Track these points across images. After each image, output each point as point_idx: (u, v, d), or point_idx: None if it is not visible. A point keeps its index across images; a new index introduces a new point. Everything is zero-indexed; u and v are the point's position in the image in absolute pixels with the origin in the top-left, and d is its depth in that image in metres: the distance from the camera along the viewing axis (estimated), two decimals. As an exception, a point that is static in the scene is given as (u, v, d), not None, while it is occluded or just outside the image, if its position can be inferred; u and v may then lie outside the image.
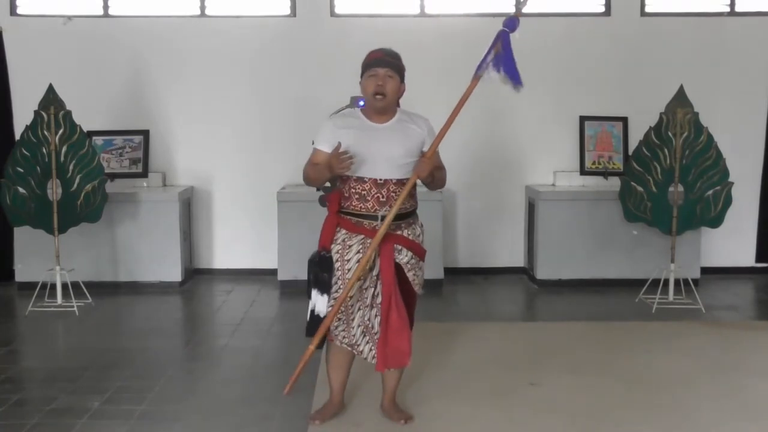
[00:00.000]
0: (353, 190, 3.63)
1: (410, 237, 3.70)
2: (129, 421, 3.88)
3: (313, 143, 3.75)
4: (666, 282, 6.15)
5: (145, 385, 4.37)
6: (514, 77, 3.63)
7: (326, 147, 3.64)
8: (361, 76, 3.66)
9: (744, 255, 7.27)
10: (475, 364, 4.67)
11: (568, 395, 4.19)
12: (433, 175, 3.68)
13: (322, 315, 3.65)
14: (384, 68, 3.60)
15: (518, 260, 7.28)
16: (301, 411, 3.93)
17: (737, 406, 4.06)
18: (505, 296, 6.64)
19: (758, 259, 7.28)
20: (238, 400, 4.16)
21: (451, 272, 7.03)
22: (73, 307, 5.94)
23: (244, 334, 5.47)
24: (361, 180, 3.61)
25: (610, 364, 4.68)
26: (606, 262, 6.74)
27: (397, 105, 3.76)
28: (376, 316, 3.69)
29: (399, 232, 3.66)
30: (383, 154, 3.59)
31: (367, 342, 3.71)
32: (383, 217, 3.58)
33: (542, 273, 6.78)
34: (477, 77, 3.64)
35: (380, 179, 3.60)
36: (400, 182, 3.62)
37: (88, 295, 6.09)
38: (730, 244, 7.14)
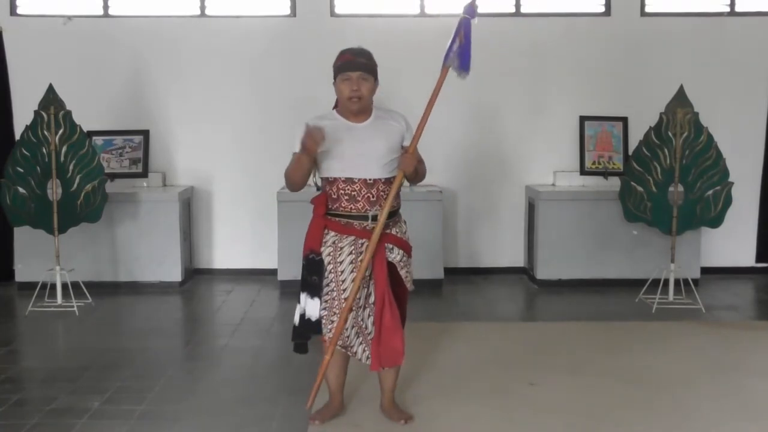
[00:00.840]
0: (342, 192, 3.63)
1: (398, 234, 3.73)
2: (129, 421, 3.88)
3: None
4: (666, 282, 6.15)
5: (145, 385, 4.37)
6: (463, 64, 3.64)
7: None
8: (334, 78, 3.68)
9: (744, 255, 7.27)
10: (475, 364, 4.67)
11: (568, 395, 4.19)
12: (417, 169, 3.69)
13: (313, 319, 3.65)
14: (357, 71, 3.60)
15: (518, 260, 7.28)
16: (301, 411, 3.93)
17: (737, 406, 4.06)
18: (505, 296, 6.64)
19: (758, 259, 7.28)
20: (238, 400, 4.16)
21: (451, 272, 7.03)
22: (73, 307, 5.94)
23: (244, 334, 5.47)
24: (350, 181, 3.61)
25: (610, 364, 4.68)
26: (606, 262, 6.74)
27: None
28: (369, 316, 3.69)
29: (388, 231, 3.68)
30: (369, 154, 3.60)
31: (361, 343, 3.72)
32: (374, 217, 3.59)
33: (542, 273, 6.78)
34: (445, 67, 3.66)
35: (369, 179, 3.61)
36: (388, 181, 3.64)
37: (88, 295, 6.09)
38: (730, 244, 7.14)
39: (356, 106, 3.61)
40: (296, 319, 3.72)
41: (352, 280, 3.61)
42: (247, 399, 4.19)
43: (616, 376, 4.48)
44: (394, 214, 3.72)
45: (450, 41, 3.65)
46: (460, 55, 3.63)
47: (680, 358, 4.81)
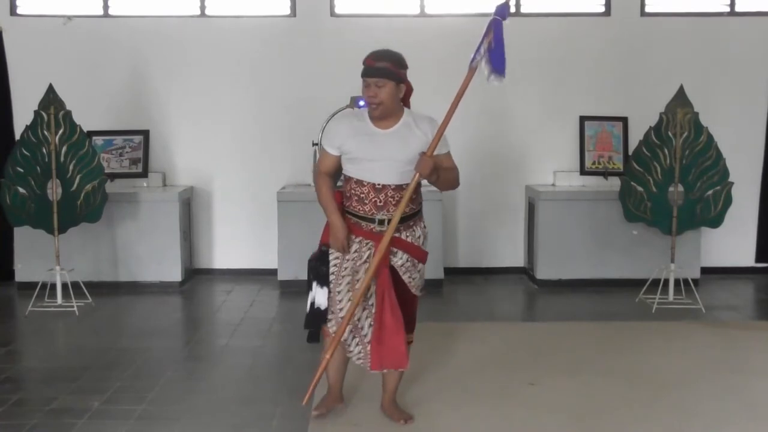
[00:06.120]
0: (353, 192, 3.68)
1: (408, 239, 3.71)
2: (129, 421, 3.88)
3: (318, 144, 3.75)
4: (666, 282, 6.15)
5: (145, 385, 4.37)
6: (498, 68, 3.56)
7: (334, 151, 3.70)
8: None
9: (744, 255, 7.27)
10: (475, 364, 4.67)
11: (568, 395, 4.20)
12: (438, 174, 3.63)
13: (322, 308, 3.70)
14: (373, 78, 3.58)
15: (518, 260, 7.28)
16: (301, 411, 3.93)
17: (737, 406, 4.06)
18: (505, 296, 6.64)
19: (758, 259, 7.27)
20: (238, 400, 4.16)
21: (451, 272, 7.03)
22: (73, 307, 5.94)
23: (244, 334, 5.47)
24: (360, 183, 3.65)
25: (610, 364, 4.68)
26: (606, 262, 6.73)
27: (407, 105, 3.74)
28: (367, 317, 3.72)
29: (397, 235, 3.67)
30: (383, 161, 3.61)
31: (357, 344, 3.75)
32: (381, 221, 3.62)
33: (542, 273, 6.77)
34: (472, 68, 3.61)
35: (378, 184, 3.62)
36: (399, 187, 3.63)
37: (88, 295, 6.09)
38: (730, 244, 7.13)
39: (376, 112, 3.62)
40: (307, 307, 3.78)
41: (344, 275, 3.67)
42: (247, 399, 4.19)
43: (616, 376, 4.48)
44: (408, 219, 3.69)
45: (479, 43, 3.59)
46: (493, 58, 3.55)
47: (680, 358, 4.82)
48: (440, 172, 3.63)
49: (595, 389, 4.28)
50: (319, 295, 3.71)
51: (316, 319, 3.73)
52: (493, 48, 3.55)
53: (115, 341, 5.30)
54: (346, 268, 3.67)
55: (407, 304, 3.74)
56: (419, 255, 3.76)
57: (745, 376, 4.50)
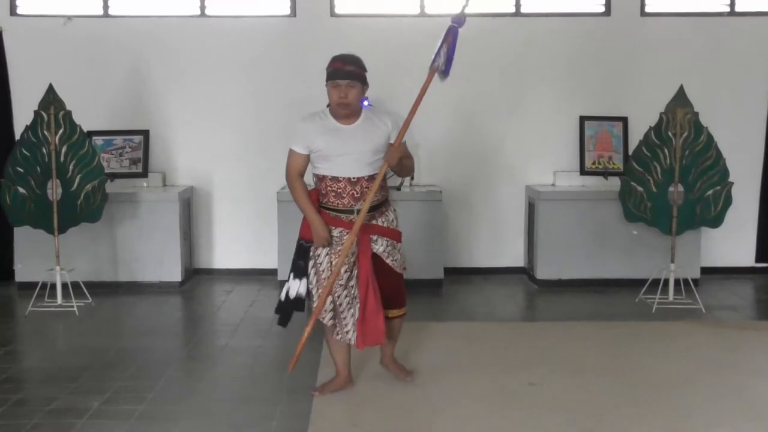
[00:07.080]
0: (329, 188, 3.92)
1: (384, 224, 4.00)
2: (129, 421, 3.88)
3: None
4: (666, 282, 6.15)
5: (145, 385, 4.37)
6: (446, 69, 3.89)
7: (302, 149, 3.97)
8: (327, 81, 3.93)
9: (744, 255, 7.27)
10: (475, 364, 4.67)
11: (568, 395, 4.19)
12: (402, 162, 3.94)
13: (292, 297, 4.02)
14: (345, 80, 3.85)
15: (518, 260, 7.28)
16: (301, 411, 3.94)
17: (737, 406, 4.05)
18: (505, 296, 6.64)
19: (758, 259, 7.28)
20: (238, 400, 4.16)
21: (451, 272, 7.03)
22: (73, 307, 5.94)
23: (244, 334, 5.47)
24: (336, 179, 3.90)
25: (610, 364, 4.68)
26: (606, 262, 6.73)
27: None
28: (346, 297, 3.96)
29: (374, 222, 3.96)
30: (354, 154, 3.87)
31: (352, 324, 3.97)
32: (359, 211, 3.87)
33: (542, 273, 6.77)
34: (432, 70, 3.91)
35: (353, 178, 3.88)
36: (371, 177, 3.91)
37: (88, 295, 6.09)
38: (730, 244, 7.14)
39: (344, 111, 3.89)
40: (282, 295, 4.07)
41: (329, 263, 3.93)
42: (247, 399, 4.19)
43: (616, 376, 4.48)
44: (380, 206, 3.99)
45: (438, 47, 3.88)
46: (445, 61, 3.87)
47: (680, 358, 4.81)
48: (403, 160, 3.94)
49: (595, 389, 4.28)
50: (293, 286, 4.02)
51: (291, 307, 4.02)
52: (448, 52, 3.87)
53: (115, 341, 5.30)
54: (326, 257, 3.95)
55: (395, 282, 4.07)
56: (396, 236, 4.07)
57: (745, 376, 4.50)
